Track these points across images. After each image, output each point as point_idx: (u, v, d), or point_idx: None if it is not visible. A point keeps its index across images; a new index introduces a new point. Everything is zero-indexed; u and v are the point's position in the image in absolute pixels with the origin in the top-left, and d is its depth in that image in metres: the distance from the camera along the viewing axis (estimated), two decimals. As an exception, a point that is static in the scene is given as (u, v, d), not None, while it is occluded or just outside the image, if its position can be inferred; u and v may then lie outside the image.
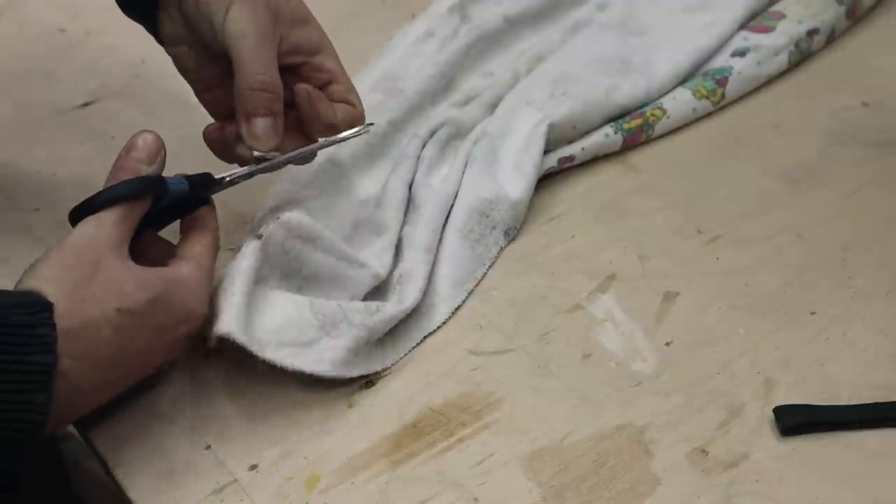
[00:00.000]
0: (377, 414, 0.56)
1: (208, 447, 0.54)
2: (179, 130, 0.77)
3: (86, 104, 0.80)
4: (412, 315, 0.61)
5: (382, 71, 0.82)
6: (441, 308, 0.63)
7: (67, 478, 0.89)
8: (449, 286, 0.64)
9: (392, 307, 0.59)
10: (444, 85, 0.78)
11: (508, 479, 0.53)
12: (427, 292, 0.63)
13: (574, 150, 0.73)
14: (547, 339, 0.61)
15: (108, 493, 0.54)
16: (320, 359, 0.55)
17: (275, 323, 0.55)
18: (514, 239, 0.68)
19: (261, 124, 0.58)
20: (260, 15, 0.58)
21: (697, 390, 0.57)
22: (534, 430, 0.55)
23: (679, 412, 0.56)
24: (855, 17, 0.91)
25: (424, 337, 0.61)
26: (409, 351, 0.60)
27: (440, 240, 0.66)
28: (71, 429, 0.55)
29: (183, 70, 0.63)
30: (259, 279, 0.57)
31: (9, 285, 0.62)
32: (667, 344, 0.60)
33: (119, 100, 0.80)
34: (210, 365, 0.58)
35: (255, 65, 0.57)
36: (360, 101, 0.63)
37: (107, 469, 0.53)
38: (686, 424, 0.55)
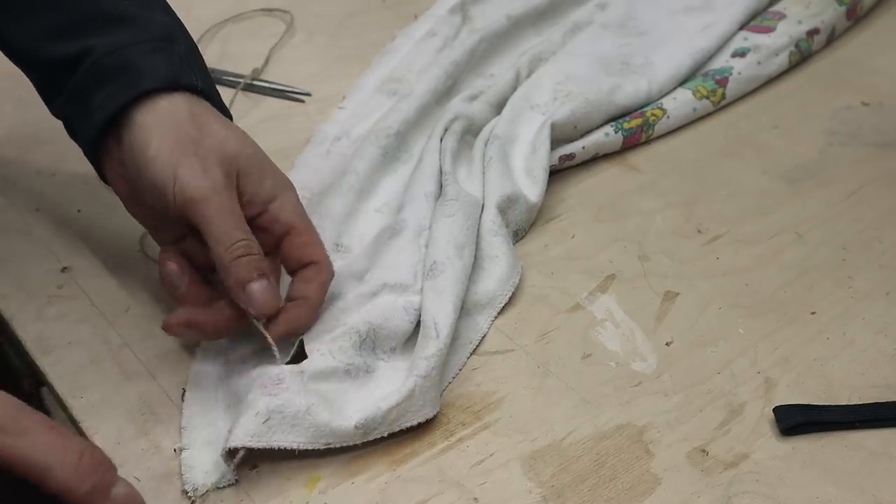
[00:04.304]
0: (377, 414, 0.56)
1: (208, 447, 0.54)
2: (179, 130, 0.77)
3: (86, 104, 0.80)
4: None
5: (385, 73, 0.82)
6: (484, 316, 0.62)
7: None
8: (493, 287, 0.63)
9: (433, 347, 0.56)
10: (450, 85, 0.78)
11: (508, 479, 0.53)
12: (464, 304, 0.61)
13: (574, 148, 0.74)
14: (547, 339, 0.61)
15: (107, 493, 0.54)
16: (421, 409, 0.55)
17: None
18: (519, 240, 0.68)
19: (257, 288, 0.53)
20: (213, 174, 0.53)
21: (697, 390, 0.57)
22: (534, 430, 0.55)
23: (679, 412, 0.56)
24: (855, 17, 0.91)
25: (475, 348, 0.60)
26: (461, 368, 0.59)
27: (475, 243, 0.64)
28: (71, 429, 0.55)
29: (136, 216, 0.59)
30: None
31: (8, 286, 0.62)
32: (667, 344, 0.60)
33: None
34: (210, 365, 0.58)
35: (229, 232, 0.53)
36: (322, 250, 0.57)
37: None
38: (686, 424, 0.55)
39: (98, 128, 0.56)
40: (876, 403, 0.56)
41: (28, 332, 0.60)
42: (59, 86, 0.58)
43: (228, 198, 0.54)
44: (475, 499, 0.52)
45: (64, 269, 0.64)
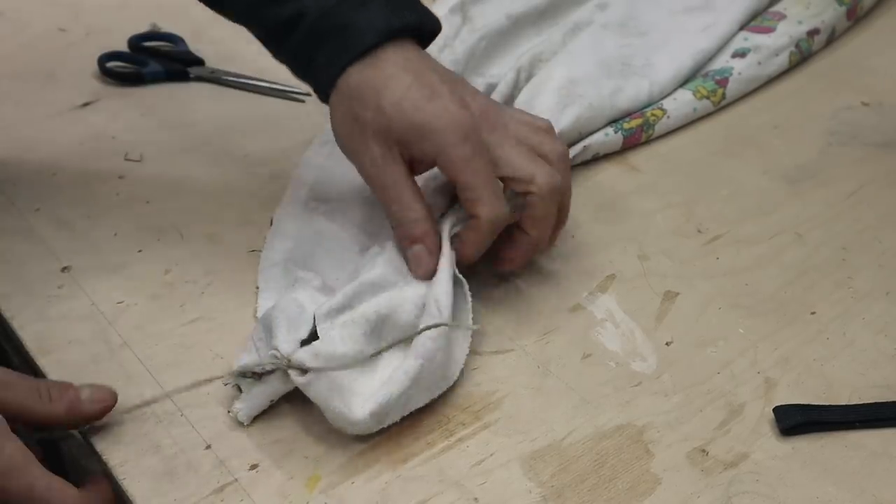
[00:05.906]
0: (377, 414, 0.56)
1: (208, 447, 0.54)
2: (179, 130, 0.77)
3: (86, 104, 0.80)
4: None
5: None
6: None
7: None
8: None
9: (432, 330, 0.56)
10: None
11: (508, 479, 0.53)
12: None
13: (575, 149, 0.73)
14: (547, 339, 0.61)
15: (108, 493, 0.54)
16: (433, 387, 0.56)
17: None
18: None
19: (410, 254, 0.60)
20: (373, 153, 0.60)
21: (697, 390, 0.57)
22: (534, 430, 0.55)
23: (679, 412, 0.56)
24: (855, 17, 0.91)
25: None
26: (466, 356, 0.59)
27: None
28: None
29: None
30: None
31: (8, 286, 0.62)
32: (667, 344, 0.60)
33: (119, 100, 0.80)
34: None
35: (388, 204, 0.60)
36: (484, 207, 0.59)
37: (107, 469, 0.53)
38: (686, 424, 0.55)
39: (325, 90, 0.62)
40: (876, 403, 0.56)
41: (28, 332, 0.60)
42: (278, 41, 0.63)
43: (391, 170, 0.60)
44: (475, 499, 0.52)
45: (64, 269, 0.64)
